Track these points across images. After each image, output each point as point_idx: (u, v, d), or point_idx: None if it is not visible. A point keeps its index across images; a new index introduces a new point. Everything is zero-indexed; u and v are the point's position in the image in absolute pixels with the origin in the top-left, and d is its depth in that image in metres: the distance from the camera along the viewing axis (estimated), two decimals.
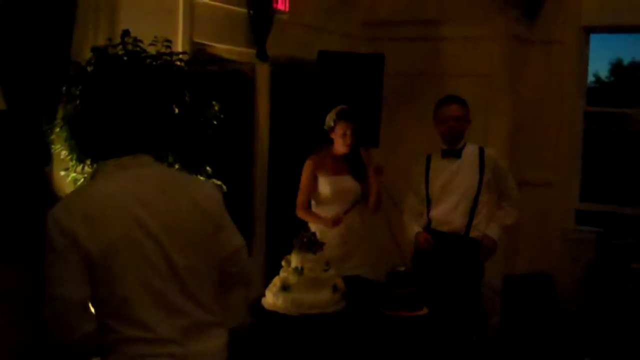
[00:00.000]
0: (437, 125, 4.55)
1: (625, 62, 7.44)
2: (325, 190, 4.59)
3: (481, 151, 4.53)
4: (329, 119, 4.57)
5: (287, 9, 5.42)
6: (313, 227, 4.49)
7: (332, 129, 4.56)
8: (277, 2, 5.28)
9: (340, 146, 4.58)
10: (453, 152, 4.54)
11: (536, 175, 6.30)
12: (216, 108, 3.77)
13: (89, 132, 2.26)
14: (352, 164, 4.67)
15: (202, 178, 3.26)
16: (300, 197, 4.67)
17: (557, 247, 6.24)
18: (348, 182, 4.61)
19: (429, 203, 4.57)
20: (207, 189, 2.45)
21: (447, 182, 4.53)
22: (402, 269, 3.77)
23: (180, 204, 2.26)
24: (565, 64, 6.27)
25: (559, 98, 6.28)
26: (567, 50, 6.27)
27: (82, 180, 3.52)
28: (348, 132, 4.54)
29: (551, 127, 6.28)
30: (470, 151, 4.55)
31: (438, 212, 4.53)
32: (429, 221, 4.56)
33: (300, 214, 4.68)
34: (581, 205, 6.44)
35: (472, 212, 4.48)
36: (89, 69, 3.51)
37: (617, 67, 7.68)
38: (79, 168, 3.53)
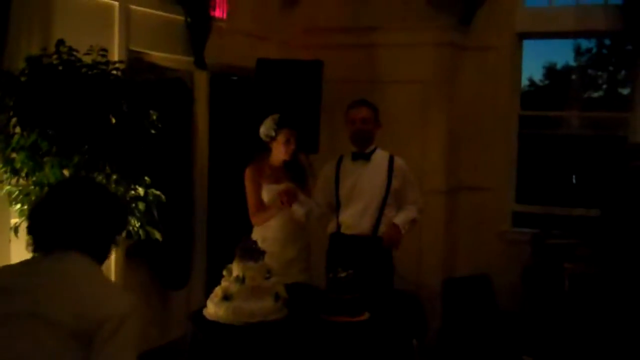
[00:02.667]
0: (347, 127, 4.61)
1: (559, 65, 7.63)
2: (265, 198, 4.58)
3: (391, 159, 4.59)
4: (268, 129, 4.55)
5: (225, 17, 5.42)
6: (256, 235, 4.48)
7: (273, 138, 4.55)
8: (214, 10, 5.26)
9: (281, 154, 4.57)
10: (362, 155, 4.59)
11: (473, 179, 6.43)
12: (154, 117, 3.75)
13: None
14: (291, 171, 4.67)
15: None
16: (251, 202, 4.59)
17: (494, 248, 6.37)
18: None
19: (338, 206, 4.59)
20: (108, 300, 2.14)
21: (354, 184, 4.56)
22: (344, 274, 3.79)
23: (62, 297, 2.08)
24: (500, 70, 6.41)
25: (494, 103, 6.41)
26: (501, 56, 6.41)
27: (16, 193, 3.46)
28: (291, 139, 4.55)
29: (487, 131, 6.41)
30: (380, 156, 4.60)
31: (346, 215, 4.55)
32: (339, 225, 4.59)
33: (256, 218, 4.58)
34: (517, 207, 6.59)
35: (379, 216, 4.52)
36: (23, 79, 3.45)
37: (550, 71, 7.85)
38: (14, 180, 3.46)
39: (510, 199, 6.56)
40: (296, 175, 4.68)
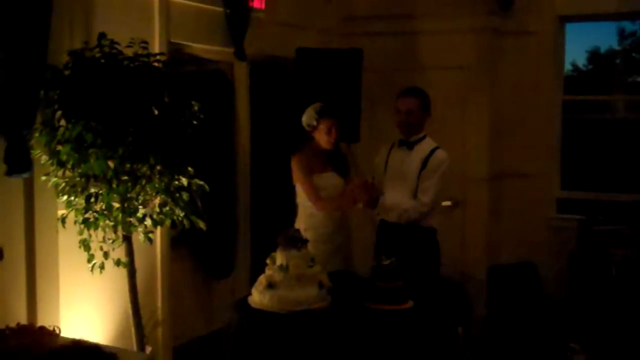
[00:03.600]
0: (394, 115, 4.60)
1: (602, 50, 7.50)
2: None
3: (432, 150, 4.52)
4: (310, 118, 4.55)
5: (263, 7, 5.42)
6: (301, 223, 4.49)
7: (315, 128, 4.54)
8: (253, 0, 5.27)
9: (324, 143, 4.56)
10: (407, 144, 4.58)
11: (517, 166, 6.35)
12: (195, 108, 3.76)
13: None
14: (334, 160, 4.67)
15: None
16: (310, 189, 4.53)
17: (539, 236, 6.28)
18: (333, 179, 4.60)
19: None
20: None
21: (396, 171, 4.58)
22: (387, 262, 3.79)
23: None
24: (542, 54, 6.31)
25: (537, 88, 6.32)
26: (543, 41, 6.31)
27: (63, 184, 3.51)
28: (333, 129, 4.54)
29: (530, 117, 6.32)
30: (424, 146, 4.55)
31: (385, 200, 4.55)
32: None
33: (321, 204, 4.52)
34: (562, 194, 6.49)
35: None
36: (67, 72, 3.50)
37: (594, 55, 7.73)
38: (60, 172, 3.51)
39: (555, 186, 6.47)
40: (338, 164, 4.68)
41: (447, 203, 5.89)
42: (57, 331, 3.26)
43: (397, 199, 4.51)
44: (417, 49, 6.32)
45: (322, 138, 4.54)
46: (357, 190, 4.40)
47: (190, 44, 4.91)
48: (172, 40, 4.63)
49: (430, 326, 3.72)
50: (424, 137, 4.59)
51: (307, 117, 4.55)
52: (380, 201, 4.54)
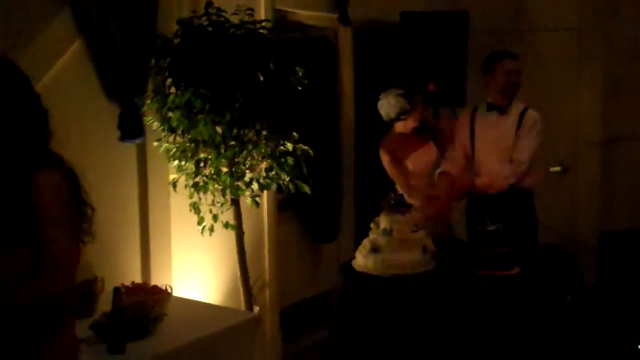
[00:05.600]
0: (495, 79, 4.45)
1: None
2: (411, 167, 4.53)
3: (523, 111, 4.41)
4: (402, 106, 4.51)
5: None
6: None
7: (409, 111, 4.50)
8: None
9: (414, 122, 4.53)
10: (498, 108, 4.44)
11: (631, 130, 6.08)
12: (300, 74, 3.79)
13: None
14: (422, 130, 4.61)
15: None
16: (399, 182, 4.59)
17: None
18: (427, 155, 4.56)
19: (473, 161, 4.51)
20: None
21: (488, 137, 4.44)
22: (493, 228, 3.73)
23: None
24: None
25: None
26: None
27: (173, 150, 3.62)
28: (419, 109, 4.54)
29: None
30: (515, 108, 4.43)
31: (482, 177, 4.42)
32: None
33: (414, 194, 4.52)
34: None
35: None
36: (176, 41, 3.59)
37: None
38: (171, 138, 3.63)
39: None
40: (425, 132, 4.64)
41: (556, 169, 5.74)
42: (170, 290, 3.39)
43: (493, 170, 4.39)
44: (525, 10, 6.11)
45: (416, 117, 4.51)
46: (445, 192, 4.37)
47: (294, 10, 4.94)
48: (277, 7, 4.66)
49: (538, 293, 3.65)
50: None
51: (398, 107, 4.51)
52: (476, 182, 4.44)
